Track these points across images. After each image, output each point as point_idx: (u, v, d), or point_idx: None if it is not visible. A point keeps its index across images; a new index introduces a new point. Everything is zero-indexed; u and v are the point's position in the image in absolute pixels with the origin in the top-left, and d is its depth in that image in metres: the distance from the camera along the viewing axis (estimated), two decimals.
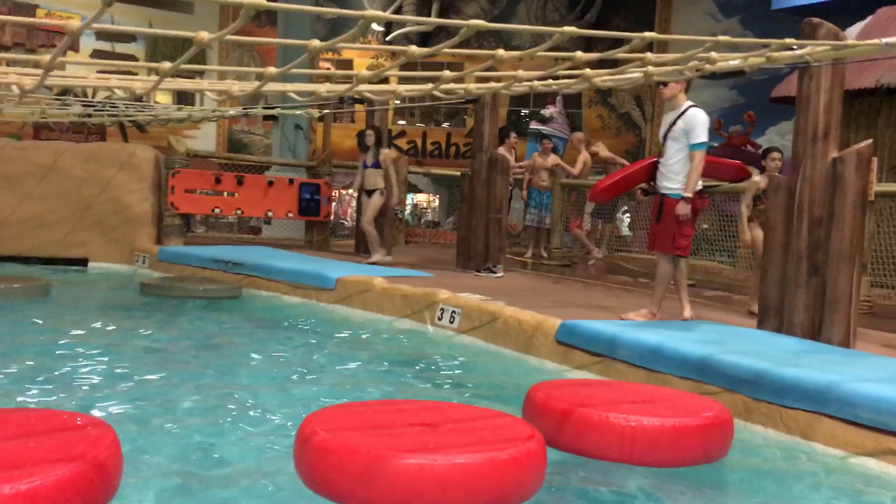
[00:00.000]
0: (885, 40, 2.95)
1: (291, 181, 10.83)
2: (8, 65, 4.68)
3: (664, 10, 18.96)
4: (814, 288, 5.13)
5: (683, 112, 5.56)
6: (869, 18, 9.95)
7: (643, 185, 6.03)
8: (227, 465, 3.21)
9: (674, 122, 5.59)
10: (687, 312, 5.77)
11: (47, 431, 2.49)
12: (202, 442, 3.47)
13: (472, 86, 4.30)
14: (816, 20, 5.17)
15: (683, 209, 5.50)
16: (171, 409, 3.95)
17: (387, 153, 9.02)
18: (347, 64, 19.07)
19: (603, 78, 3.96)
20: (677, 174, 5.55)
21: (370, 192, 9.03)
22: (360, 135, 9.13)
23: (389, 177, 8.99)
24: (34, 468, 2.17)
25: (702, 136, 5.47)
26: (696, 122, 5.48)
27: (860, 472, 3.46)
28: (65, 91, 8.83)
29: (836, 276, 5.02)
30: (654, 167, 5.79)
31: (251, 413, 3.96)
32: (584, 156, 10.83)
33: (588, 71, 3.62)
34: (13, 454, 2.27)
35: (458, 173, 11.92)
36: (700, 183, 5.63)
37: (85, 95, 10.01)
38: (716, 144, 16.13)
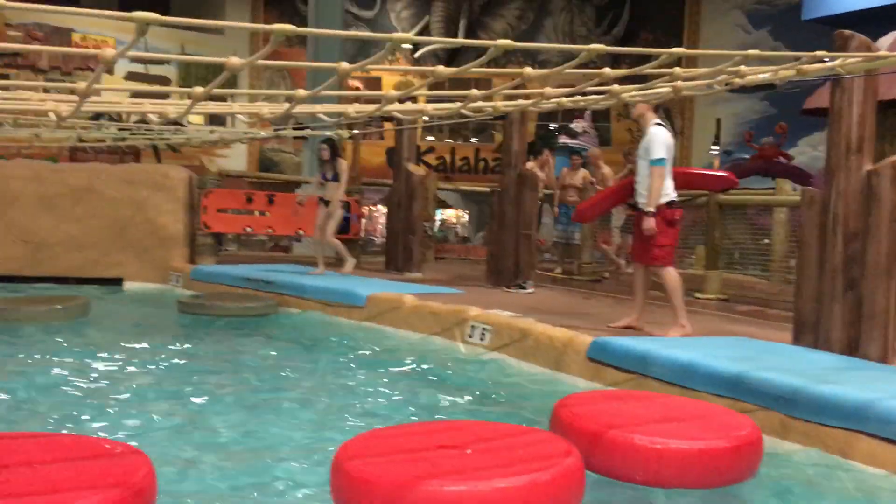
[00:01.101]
0: None
1: (347, 204, 10.91)
2: (45, 91, 4.78)
3: (693, 23, 18.88)
4: (850, 303, 5.05)
5: (648, 131, 5.86)
6: None
7: (630, 201, 6.26)
8: (262, 494, 3.22)
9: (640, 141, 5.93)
10: (679, 325, 5.83)
11: (83, 458, 2.52)
12: (237, 470, 3.48)
13: (500, 104, 4.32)
14: (848, 32, 5.12)
15: (646, 223, 5.77)
16: (207, 435, 3.98)
17: (343, 163, 8.92)
18: (376, 82, 19.22)
19: (631, 93, 3.96)
20: (646, 190, 5.81)
21: (328, 203, 8.95)
22: (389, 151, 9.18)
23: (341, 186, 8.88)
24: (69, 494, 2.19)
25: (659, 152, 5.74)
26: (655, 139, 5.78)
27: None
28: (99, 114, 8.99)
29: (873, 290, 4.94)
30: (633, 185, 6.07)
31: (287, 438, 3.97)
32: (604, 171, 10.79)
33: (616, 87, 3.62)
34: (48, 480, 2.30)
35: (488, 189, 11.95)
36: (672, 195, 5.82)
37: (119, 118, 10.21)
38: (747, 156, 16.02)
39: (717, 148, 17.82)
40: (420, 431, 3.07)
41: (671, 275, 5.86)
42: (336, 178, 8.86)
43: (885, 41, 9.57)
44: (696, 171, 6.20)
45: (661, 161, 5.74)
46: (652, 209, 5.74)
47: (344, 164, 8.91)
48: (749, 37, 17.62)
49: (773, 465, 3.60)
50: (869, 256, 4.98)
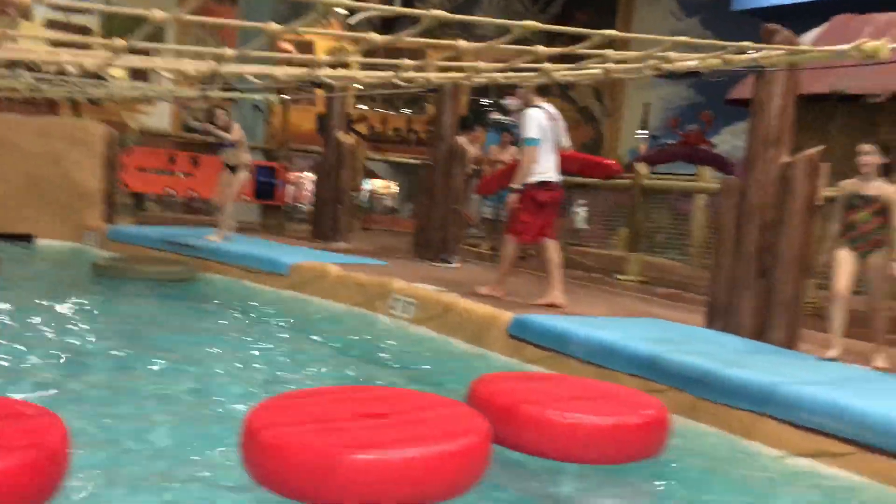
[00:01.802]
0: (837, 48, 3.02)
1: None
2: None
3: (626, 8, 19.11)
4: (761, 289, 5.23)
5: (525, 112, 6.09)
6: (825, 25, 10.13)
7: None
8: (175, 456, 3.16)
9: None
10: (553, 298, 6.06)
11: None
12: (150, 432, 3.42)
13: (433, 75, 4.29)
14: (773, 26, 5.25)
15: (510, 199, 6.14)
16: (118, 397, 3.88)
17: (237, 128, 8.51)
18: (308, 46, 18.84)
19: (563, 72, 3.98)
20: None
21: (234, 168, 8.59)
22: (320, 118, 9.00)
23: (243, 153, 8.59)
24: None
25: (529, 132, 5.97)
26: (527, 121, 6.02)
27: (797, 472, 3.55)
28: (14, 62, 8.56)
29: (783, 279, 5.13)
30: None
31: (202, 402, 3.92)
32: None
33: (548, 65, 3.64)
34: None
35: (418, 161, 11.90)
36: (545, 176, 6.03)
37: (37, 68, 9.75)
38: (673, 142, 16.39)
39: (644, 132, 18.16)
40: (335, 398, 3.05)
41: (509, 246, 6.24)
42: (231, 144, 8.48)
43: (807, 37, 9.87)
44: (581, 157, 6.44)
45: (530, 141, 5.95)
46: (516, 185, 6.05)
47: (237, 128, 8.53)
48: (680, 24, 17.93)
49: (682, 444, 3.72)
50: (781, 246, 5.16)
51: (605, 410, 3.31)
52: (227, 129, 8.38)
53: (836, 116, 9.66)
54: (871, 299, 4.88)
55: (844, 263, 4.74)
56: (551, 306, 6.01)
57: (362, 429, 2.67)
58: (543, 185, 6.02)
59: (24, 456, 2.18)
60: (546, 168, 6.03)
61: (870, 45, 2.94)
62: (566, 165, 6.42)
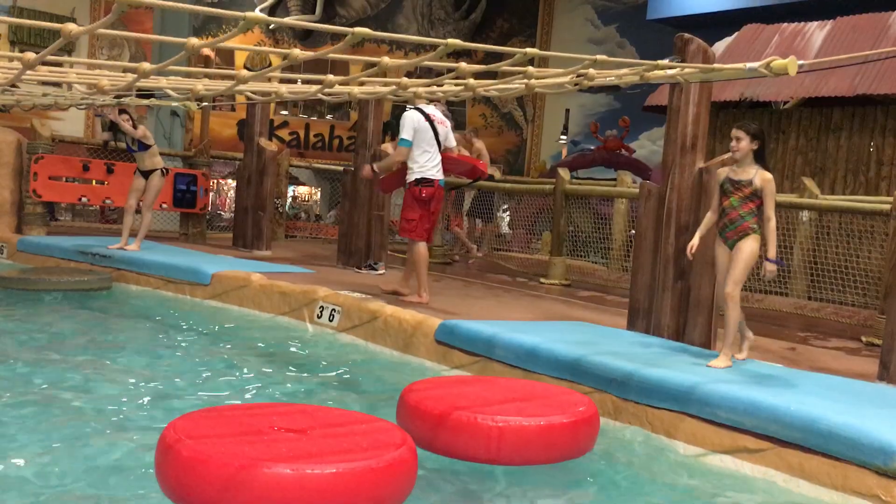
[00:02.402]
0: (748, 65, 3.12)
1: (166, 171, 10.40)
2: None
3: (546, 15, 19.42)
4: (679, 291, 5.38)
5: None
6: (735, 35, 10.51)
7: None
8: (87, 473, 3.05)
9: None
10: (413, 295, 6.34)
11: None
12: (60, 449, 3.29)
13: (357, 89, 4.26)
14: (687, 36, 5.41)
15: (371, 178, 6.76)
16: (27, 414, 3.72)
17: (144, 129, 8.25)
18: (228, 54, 18.52)
19: (486, 88, 4.01)
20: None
21: (146, 174, 8.31)
22: (241, 124, 8.80)
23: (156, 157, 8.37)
24: None
25: (402, 133, 6.28)
26: (402, 121, 6.31)
27: (716, 469, 3.66)
28: None
29: (699, 280, 5.28)
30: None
31: (113, 417, 3.79)
32: (478, 143, 10.94)
33: (472, 81, 3.66)
34: None
35: (341, 167, 11.81)
36: (424, 173, 6.26)
37: None
38: (593, 147, 16.72)
39: (565, 137, 18.48)
40: (256, 414, 3.00)
41: (416, 249, 6.34)
42: (144, 148, 8.21)
43: (720, 45, 10.22)
44: (454, 157, 6.74)
45: (402, 142, 6.26)
46: (376, 170, 6.63)
47: (143, 130, 8.23)
48: (597, 31, 18.32)
49: (607, 444, 3.79)
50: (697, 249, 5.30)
51: (535, 412, 3.36)
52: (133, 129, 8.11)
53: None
54: (721, 286, 4.63)
55: (719, 262, 4.62)
56: (396, 293, 6.43)
57: (281, 443, 2.63)
58: (422, 181, 6.27)
59: None
60: (424, 166, 6.28)
61: (778, 62, 3.04)
62: (447, 166, 6.65)
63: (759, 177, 4.49)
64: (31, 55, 2.61)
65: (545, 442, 3.29)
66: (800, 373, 4.55)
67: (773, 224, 4.48)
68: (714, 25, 12.93)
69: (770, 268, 4.40)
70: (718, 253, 4.66)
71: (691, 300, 5.33)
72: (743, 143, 4.52)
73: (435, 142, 6.33)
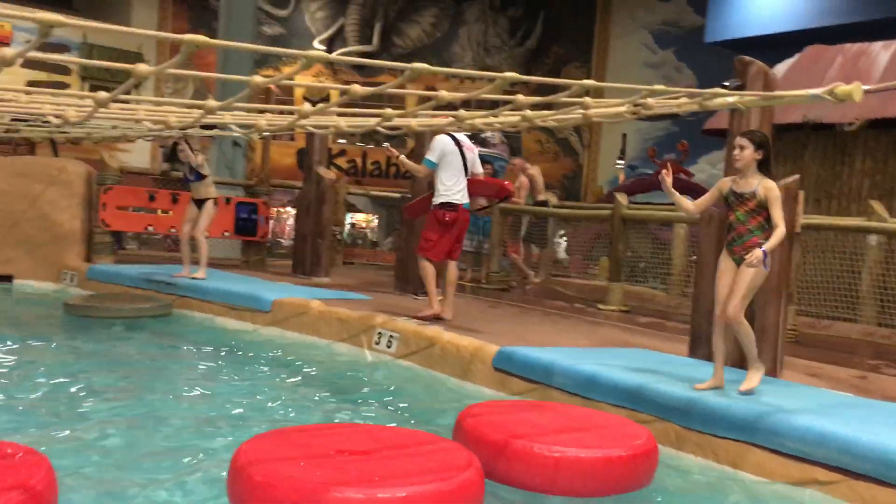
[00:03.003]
0: (811, 92, 3.05)
1: (228, 200, 10.67)
2: None
3: (602, 40, 19.38)
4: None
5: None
6: (797, 56, 10.32)
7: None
8: (158, 499, 3.11)
9: None
10: (440, 311, 6.49)
11: None
12: (132, 474, 3.36)
13: (415, 121, 4.31)
14: (748, 59, 5.34)
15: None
16: (99, 439, 3.82)
17: (203, 158, 8.38)
18: (289, 86, 18.93)
19: (544, 119, 4.01)
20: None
21: (200, 203, 8.44)
22: (300, 153, 8.97)
23: (208, 183, 8.45)
24: None
25: (428, 154, 6.56)
26: (432, 143, 6.61)
27: (785, 502, 3.55)
28: None
29: (764, 306, 5.16)
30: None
31: (183, 442, 3.86)
32: (521, 180, 10.97)
33: (529, 112, 3.66)
34: None
35: (398, 194, 11.92)
36: (448, 197, 6.48)
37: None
38: (651, 171, 16.55)
39: (622, 162, 18.34)
40: (323, 435, 3.03)
41: (422, 264, 6.59)
42: (199, 178, 8.37)
43: (781, 67, 10.05)
44: (481, 181, 6.97)
45: (426, 162, 6.55)
46: (400, 158, 6.77)
47: (202, 158, 8.37)
48: (654, 56, 18.22)
49: (668, 475, 3.71)
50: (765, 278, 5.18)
51: (592, 443, 3.31)
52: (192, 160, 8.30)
53: (810, 145, 9.81)
54: (720, 304, 4.43)
55: (723, 276, 4.41)
56: (438, 318, 6.47)
57: (349, 465, 2.65)
58: (446, 205, 6.48)
59: (9, 499, 2.13)
60: (450, 189, 6.49)
61: (843, 88, 2.94)
62: (477, 189, 6.92)
63: (762, 187, 4.26)
64: (103, 94, 2.71)
65: (602, 475, 3.23)
66: (871, 402, 4.40)
67: (781, 230, 4.19)
68: (774, 47, 12.73)
69: (757, 254, 4.10)
70: (723, 268, 4.44)
71: (755, 327, 5.19)
72: (746, 151, 4.30)
73: (462, 167, 6.58)
